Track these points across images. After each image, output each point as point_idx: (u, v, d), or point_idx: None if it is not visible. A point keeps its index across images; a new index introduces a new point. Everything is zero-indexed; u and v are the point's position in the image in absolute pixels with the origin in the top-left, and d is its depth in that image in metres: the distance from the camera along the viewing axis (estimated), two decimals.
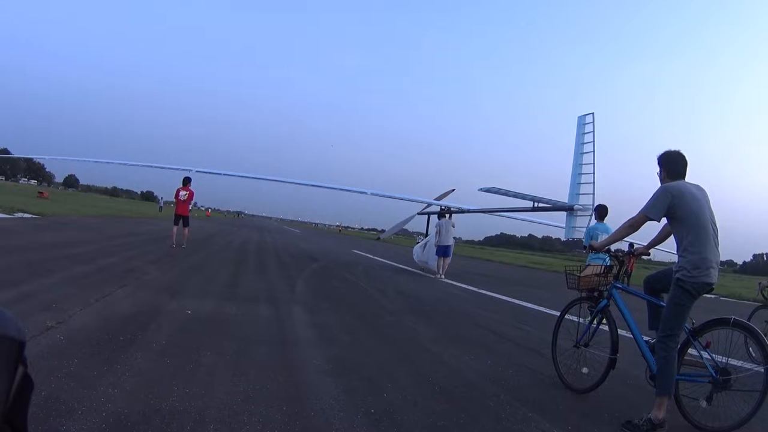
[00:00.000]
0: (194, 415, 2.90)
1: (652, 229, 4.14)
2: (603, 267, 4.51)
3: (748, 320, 5.38)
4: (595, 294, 4.52)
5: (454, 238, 15.96)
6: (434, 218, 19.35)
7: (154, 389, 3.21)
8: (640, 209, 3.84)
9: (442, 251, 15.26)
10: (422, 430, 3.12)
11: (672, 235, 3.89)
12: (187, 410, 2.95)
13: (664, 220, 3.87)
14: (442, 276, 14.85)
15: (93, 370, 3.40)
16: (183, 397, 3.14)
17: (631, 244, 8.28)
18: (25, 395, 0.69)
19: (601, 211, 9.45)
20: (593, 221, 9.81)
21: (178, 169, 19.32)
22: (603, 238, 8.72)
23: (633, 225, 3.89)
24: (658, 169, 3.99)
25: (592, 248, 4.48)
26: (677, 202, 3.65)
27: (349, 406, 3.37)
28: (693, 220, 3.62)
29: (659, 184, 3.92)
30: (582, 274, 4.66)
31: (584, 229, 10.18)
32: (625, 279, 4.48)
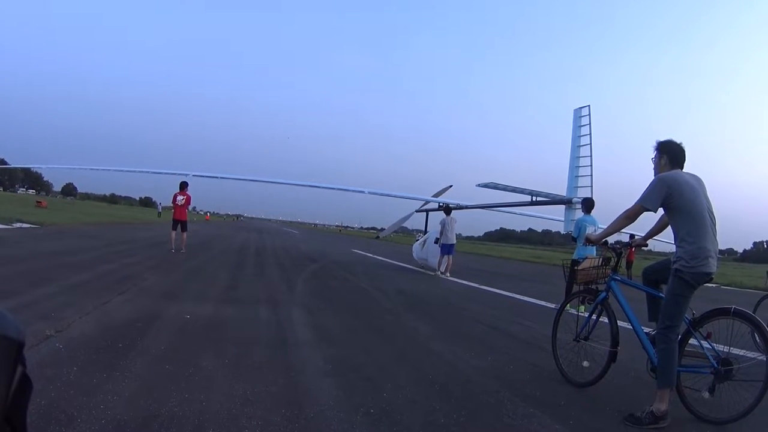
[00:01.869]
0: (193, 419, 2.89)
1: (650, 219, 4.14)
2: (601, 259, 4.50)
3: (754, 310, 5.38)
4: (594, 287, 4.51)
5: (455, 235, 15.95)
6: (433, 215, 19.35)
7: (153, 395, 3.20)
8: (636, 200, 3.83)
9: (447, 249, 15.17)
10: (422, 429, 3.11)
11: (669, 226, 3.88)
12: (187, 415, 2.94)
13: (661, 211, 3.85)
14: (448, 274, 14.77)
15: (92, 378, 3.38)
16: (182, 402, 3.12)
17: (631, 236, 8.32)
18: (24, 395, 0.69)
19: (588, 204, 9.54)
20: (580, 214, 9.88)
21: (175, 173, 19.35)
22: (590, 230, 8.79)
23: (629, 216, 3.87)
24: (654, 154, 3.97)
25: (589, 241, 4.46)
26: (673, 192, 3.63)
27: (348, 406, 3.35)
28: (690, 210, 3.61)
29: (653, 173, 3.92)
30: (579, 267, 4.65)
31: None
32: (627, 271, 4.50)
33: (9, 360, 0.66)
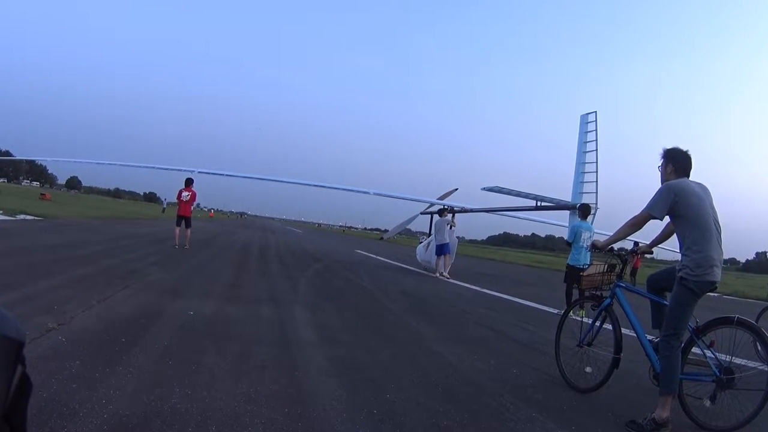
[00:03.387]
0: (196, 416, 2.89)
1: (655, 227, 4.13)
2: (606, 266, 4.49)
3: (756, 320, 5.35)
4: (598, 293, 4.50)
5: (457, 237, 15.94)
6: (437, 217, 19.38)
7: (155, 390, 3.20)
8: (643, 207, 3.82)
9: (439, 249, 15.28)
10: (425, 431, 3.11)
11: (675, 234, 3.88)
12: (189, 411, 2.94)
13: (666, 219, 3.84)
14: (446, 275, 14.83)
15: (94, 372, 3.39)
16: (185, 399, 3.13)
17: (636, 243, 8.31)
18: (24, 395, 0.69)
19: (584, 210, 9.52)
20: (576, 220, 9.87)
21: (180, 170, 19.37)
22: (585, 236, 8.79)
23: (636, 223, 3.86)
24: (661, 162, 3.96)
25: (595, 247, 4.45)
26: (680, 200, 3.63)
27: (351, 406, 3.35)
28: (695, 219, 3.60)
29: (660, 180, 3.91)
30: (585, 273, 4.65)
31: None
32: (632, 278, 4.48)
33: (9, 359, 0.66)
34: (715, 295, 17.58)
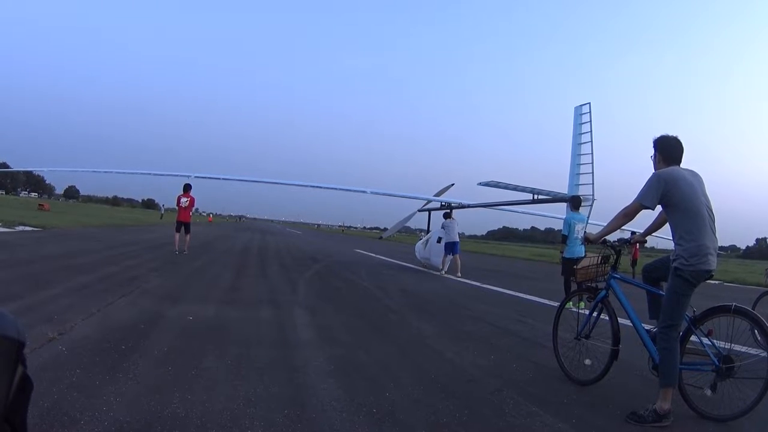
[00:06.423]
0: (196, 420, 2.90)
1: (647, 216, 4.13)
2: (600, 257, 4.49)
3: (753, 307, 5.35)
4: (594, 285, 4.49)
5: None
6: (435, 215, 19.45)
7: (156, 396, 3.21)
8: (634, 197, 3.81)
9: (449, 248, 15.32)
10: (425, 428, 3.11)
11: (667, 222, 3.87)
12: (189, 416, 2.95)
13: (659, 207, 3.83)
14: (459, 274, 14.78)
15: (95, 380, 3.40)
16: (185, 403, 3.13)
17: (632, 232, 8.31)
18: (24, 395, 0.70)
19: (575, 202, 9.52)
20: (569, 212, 9.86)
21: (177, 175, 19.39)
22: (579, 228, 8.79)
23: (628, 214, 3.85)
24: (652, 152, 3.95)
25: (588, 240, 4.45)
26: (671, 188, 3.61)
27: (351, 406, 3.36)
28: (687, 207, 3.59)
29: (652, 169, 3.90)
30: (579, 266, 4.64)
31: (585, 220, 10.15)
32: (632, 269, 4.45)
33: (9, 360, 0.66)
34: (716, 282, 17.60)
